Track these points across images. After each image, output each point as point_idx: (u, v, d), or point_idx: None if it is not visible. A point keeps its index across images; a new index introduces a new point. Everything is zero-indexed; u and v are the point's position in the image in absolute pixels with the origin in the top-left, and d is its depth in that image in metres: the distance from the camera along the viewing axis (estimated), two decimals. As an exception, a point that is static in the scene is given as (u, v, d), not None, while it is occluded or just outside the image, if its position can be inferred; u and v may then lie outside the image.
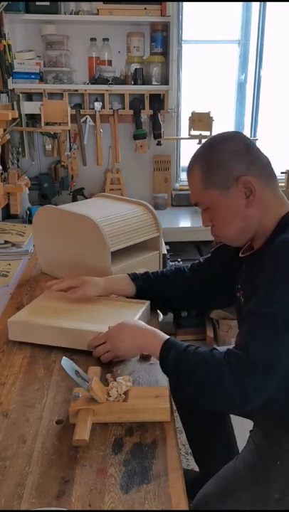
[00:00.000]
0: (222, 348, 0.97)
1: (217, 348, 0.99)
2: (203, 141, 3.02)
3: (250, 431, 1.17)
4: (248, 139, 1.09)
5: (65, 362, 0.96)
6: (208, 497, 1.07)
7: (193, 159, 1.09)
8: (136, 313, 1.24)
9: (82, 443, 0.87)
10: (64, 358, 0.97)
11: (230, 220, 1.05)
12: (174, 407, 1.40)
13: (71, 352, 1.16)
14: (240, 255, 1.14)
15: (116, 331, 1.08)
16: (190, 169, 1.08)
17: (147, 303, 1.31)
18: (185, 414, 1.45)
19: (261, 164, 1.04)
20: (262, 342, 0.90)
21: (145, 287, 1.33)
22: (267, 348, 0.90)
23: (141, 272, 1.37)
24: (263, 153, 1.06)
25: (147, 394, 0.98)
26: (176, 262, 2.62)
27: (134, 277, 1.34)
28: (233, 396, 0.90)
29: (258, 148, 1.07)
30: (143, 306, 1.29)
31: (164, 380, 1.08)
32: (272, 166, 1.08)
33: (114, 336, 1.08)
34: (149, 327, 1.07)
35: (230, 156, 1.02)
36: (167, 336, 1.02)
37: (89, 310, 1.29)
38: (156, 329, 1.06)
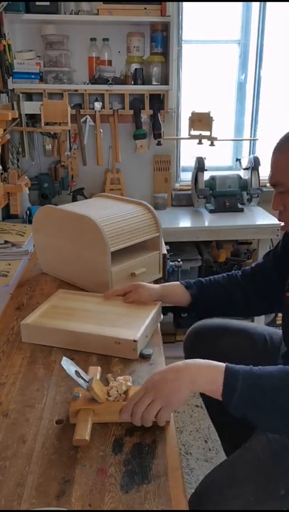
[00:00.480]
0: None
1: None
2: (204, 141, 3.04)
3: None
4: None
5: (65, 362, 0.96)
6: (213, 484, 1.05)
7: (286, 139, 1.08)
8: (148, 315, 1.25)
9: (83, 443, 0.87)
10: (64, 358, 0.97)
11: None
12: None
13: (72, 352, 1.17)
14: None
15: (156, 377, 0.91)
16: (283, 148, 1.07)
17: (159, 303, 1.31)
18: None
19: None
20: None
21: (199, 295, 1.32)
22: None
23: (192, 280, 1.36)
24: None
25: None
26: (176, 262, 2.62)
27: (187, 285, 1.33)
28: None
29: None
30: (155, 308, 1.29)
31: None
32: None
33: (154, 380, 0.90)
34: (199, 360, 0.93)
35: None
36: (222, 364, 0.90)
37: (101, 311, 1.30)
38: (207, 360, 0.92)
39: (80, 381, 0.95)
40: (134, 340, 1.12)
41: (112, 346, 1.15)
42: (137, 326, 1.19)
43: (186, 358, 1.07)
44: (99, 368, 1.07)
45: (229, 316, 1.41)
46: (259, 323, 2.59)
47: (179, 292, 1.32)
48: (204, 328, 1.43)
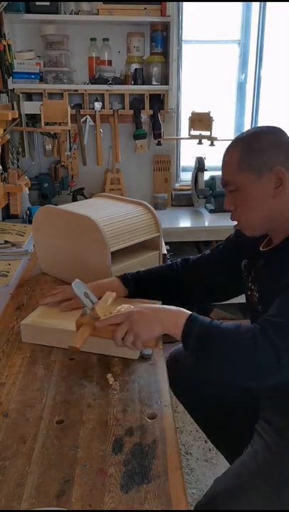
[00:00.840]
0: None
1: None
2: (204, 141, 3.04)
3: (256, 424, 1.17)
4: None
5: (77, 283, 1.07)
6: (220, 496, 1.05)
7: (236, 140, 1.10)
8: None
9: (74, 350, 1.01)
10: (76, 279, 1.08)
11: (255, 206, 1.06)
12: (175, 407, 1.41)
13: (71, 352, 1.17)
14: (260, 249, 1.14)
15: (135, 310, 1.05)
16: (231, 148, 1.09)
17: (159, 303, 1.31)
18: (189, 403, 1.43)
19: None
20: None
21: (137, 290, 1.32)
22: None
23: (132, 272, 1.35)
24: None
25: None
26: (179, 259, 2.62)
27: (125, 281, 1.32)
28: (267, 359, 0.89)
29: None
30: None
31: (164, 379, 1.08)
32: None
33: (133, 315, 1.03)
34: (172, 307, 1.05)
35: (272, 145, 1.05)
36: (190, 312, 1.01)
37: None
38: (180, 308, 1.03)
39: (87, 301, 1.08)
40: None
41: (112, 346, 1.14)
42: None
43: (170, 377, 1.10)
44: (114, 293, 1.17)
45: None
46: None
47: (116, 289, 1.29)
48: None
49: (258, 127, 1.15)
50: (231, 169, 1.07)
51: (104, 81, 2.76)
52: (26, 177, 2.54)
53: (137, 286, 1.32)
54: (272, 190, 1.04)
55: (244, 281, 1.22)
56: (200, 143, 2.84)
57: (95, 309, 1.06)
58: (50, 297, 1.34)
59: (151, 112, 2.89)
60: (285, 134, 1.09)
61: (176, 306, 1.04)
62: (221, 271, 1.30)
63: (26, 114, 2.72)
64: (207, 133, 2.81)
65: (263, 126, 1.12)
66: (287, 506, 1.02)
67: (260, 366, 0.92)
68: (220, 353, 0.95)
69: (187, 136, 2.90)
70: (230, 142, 1.11)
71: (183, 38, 2.95)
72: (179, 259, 1.39)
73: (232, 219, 1.13)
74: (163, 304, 1.28)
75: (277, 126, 1.10)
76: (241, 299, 1.28)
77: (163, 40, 2.79)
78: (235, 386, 1.19)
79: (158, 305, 1.09)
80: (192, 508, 1.08)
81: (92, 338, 1.11)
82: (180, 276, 1.34)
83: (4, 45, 2.43)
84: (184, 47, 2.98)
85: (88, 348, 1.17)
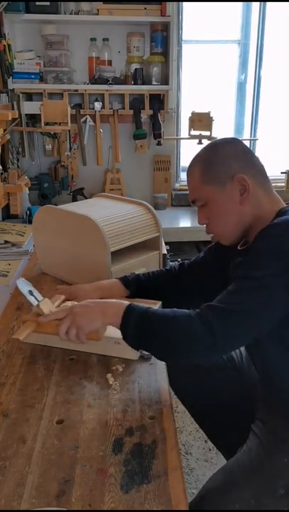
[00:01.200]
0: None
1: None
2: (204, 141, 3.04)
3: (252, 424, 1.17)
4: (247, 147, 1.15)
5: (21, 281, 1.15)
6: (211, 491, 1.06)
7: (194, 158, 1.14)
8: None
9: (16, 340, 1.09)
10: (21, 278, 1.18)
11: (225, 216, 1.10)
12: (175, 407, 1.41)
13: (72, 352, 1.17)
14: (238, 248, 1.16)
15: (78, 304, 1.10)
16: (191, 166, 1.14)
17: (159, 303, 1.31)
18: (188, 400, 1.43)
19: (256, 167, 1.10)
20: (238, 295, 0.96)
21: (139, 291, 1.32)
22: (242, 299, 0.95)
23: (131, 275, 1.35)
24: (259, 160, 1.13)
25: None
26: (176, 262, 2.62)
27: (126, 283, 1.32)
28: (202, 335, 0.94)
29: (255, 155, 1.14)
30: (155, 307, 1.28)
31: (164, 379, 1.08)
32: (267, 173, 1.13)
33: (75, 309, 1.08)
34: (114, 300, 1.10)
35: (229, 155, 1.09)
36: (128, 303, 1.05)
37: None
38: (122, 300, 1.08)
39: (32, 299, 1.15)
40: None
41: (112, 346, 1.15)
42: None
43: (170, 375, 1.11)
44: (63, 296, 1.25)
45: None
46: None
47: (117, 291, 1.32)
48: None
49: (214, 140, 1.19)
50: (196, 186, 1.11)
51: (105, 81, 2.76)
52: (26, 177, 2.54)
53: (139, 287, 1.33)
54: (238, 197, 1.07)
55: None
56: (200, 143, 2.84)
57: (39, 305, 1.12)
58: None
59: (151, 112, 2.89)
60: (241, 142, 1.14)
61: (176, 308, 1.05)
62: (215, 271, 1.30)
63: (26, 114, 2.72)
64: (207, 133, 2.81)
65: (218, 139, 1.17)
66: (279, 502, 1.02)
67: (194, 345, 0.96)
68: (155, 335, 0.99)
69: (187, 136, 2.90)
70: (189, 163, 1.15)
71: (183, 38, 2.95)
72: (176, 264, 1.40)
73: (207, 232, 1.17)
74: (163, 306, 1.30)
75: (234, 137, 1.14)
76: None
77: (163, 40, 2.79)
78: (175, 364, 1.21)
79: (99, 300, 1.13)
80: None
81: (96, 342, 1.12)
82: (179, 279, 1.35)
83: (4, 45, 2.43)
84: (184, 47, 2.98)
85: (88, 348, 1.17)
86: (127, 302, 1.06)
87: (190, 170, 1.14)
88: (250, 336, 0.99)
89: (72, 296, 1.29)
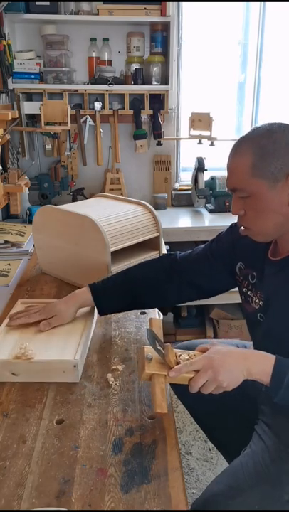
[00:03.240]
0: None
1: None
2: (203, 141, 3.03)
3: (256, 426, 1.16)
4: None
5: (149, 332, 1.00)
6: (216, 496, 1.04)
7: (245, 141, 1.01)
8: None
9: (163, 415, 0.92)
10: (148, 328, 1.05)
11: (269, 214, 1.00)
12: (175, 407, 1.40)
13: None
14: (269, 258, 1.11)
15: (216, 357, 0.94)
16: (240, 152, 1.00)
17: (160, 317, 1.30)
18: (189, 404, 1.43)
19: None
20: None
21: (107, 303, 1.28)
22: None
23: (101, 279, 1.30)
24: None
25: None
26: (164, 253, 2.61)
27: (94, 290, 1.27)
28: None
29: None
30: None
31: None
32: None
33: (214, 362, 0.93)
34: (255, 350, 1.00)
35: (287, 146, 0.97)
36: (274, 356, 0.95)
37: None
38: (262, 352, 0.97)
39: (159, 350, 0.98)
40: None
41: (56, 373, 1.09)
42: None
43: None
44: (160, 319, 1.12)
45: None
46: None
47: (89, 300, 1.26)
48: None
49: (269, 125, 1.02)
50: (243, 175, 0.99)
51: (104, 81, 2.76)
52: (26, 177, 2.54)
53: (106, 298, 1.26)
54: (287, 198, 0.98)
55: (238, 284, 1.21)
56: (200, 143, 2.84)
57: (168, 357, 0.95)
58: (23, 318, 1.25)
59: (151, 112, 2.89)
60: None
61: (163, 306, 1.01)
62: (211, 270, 1.27)
63: (26, 114, 2.72)
64: (207, 133, 2.81)
65: (274, 124, 1.01)
66: (284, 508, 1.01)
67: None
68: None
69: (187, 136, 2.90)
70: (235, 142, 1.03)
71: (183, 38, 2.95)
72: (164, 254, 1.33)
73: (240, 224, 1.07)
74: (152, 294, 1.26)
75: (286, 122, 1.02)
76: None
77: (163, 40, 2.79)
78: None
79: (242, 350, 0.99)
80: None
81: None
82: (169, 276, 1.28)
83: (4, 45, 2.43)
84: (184, 47, 2.98)
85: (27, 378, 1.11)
86: (270, 355, 0.95)
87: (238, 154, 1.00)
88: None
89: (50, 315, 1.23)
